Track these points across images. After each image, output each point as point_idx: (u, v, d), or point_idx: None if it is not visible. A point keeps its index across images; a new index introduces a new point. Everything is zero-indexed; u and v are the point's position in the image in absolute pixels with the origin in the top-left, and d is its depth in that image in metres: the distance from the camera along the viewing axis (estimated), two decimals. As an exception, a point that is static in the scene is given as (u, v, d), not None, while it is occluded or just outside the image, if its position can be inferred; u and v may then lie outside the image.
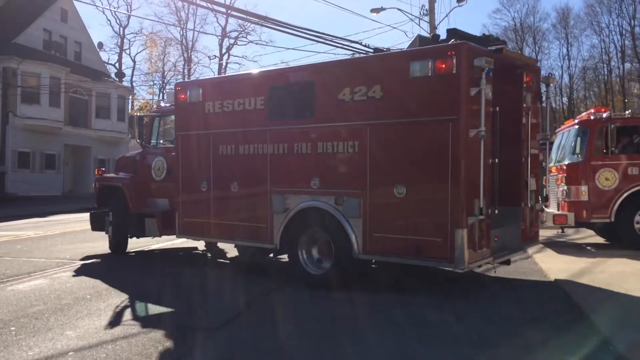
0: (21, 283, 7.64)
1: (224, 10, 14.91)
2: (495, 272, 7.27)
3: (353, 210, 6.75)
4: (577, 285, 7.19)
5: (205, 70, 73.15)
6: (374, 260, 7.48)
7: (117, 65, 52.88)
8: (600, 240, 11.70)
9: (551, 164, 12.22)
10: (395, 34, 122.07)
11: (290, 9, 76.72)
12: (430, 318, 5.78)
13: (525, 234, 7.35)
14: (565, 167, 10.98)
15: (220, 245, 10.14)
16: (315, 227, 7.23)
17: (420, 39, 6.92)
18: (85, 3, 59.15)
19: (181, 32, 54.72)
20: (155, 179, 9.86)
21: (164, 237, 10.02)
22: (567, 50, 61.08)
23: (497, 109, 6.55)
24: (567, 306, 6.16)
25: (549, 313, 5.91)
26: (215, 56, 54.51)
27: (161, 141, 10.18)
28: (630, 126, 10.78)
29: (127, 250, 10.48)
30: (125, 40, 54.28)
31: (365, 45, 20.42)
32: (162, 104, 11.00)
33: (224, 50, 55.56)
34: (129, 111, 43.63)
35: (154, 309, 6.26)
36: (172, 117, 9.49)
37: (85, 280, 7.83)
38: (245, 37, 54.52)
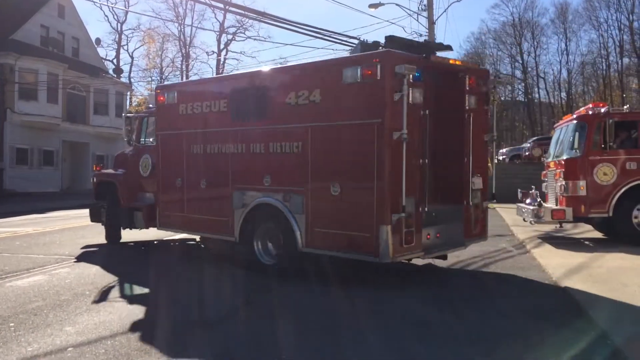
0: (20, 279, 7.64)
1: (221, 5, 14.88)
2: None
3: (297, 206, 7.25)
4: (575, 280, 7.21)
5: (204, 66, 73.05)
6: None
7: (115, 61, 52.77)
8: (598, 235, 11.72)
9: (549, 159, 12.24)
10: (393, 29, 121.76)
11: (288, 4, 76.55)
12: (428, 315, 5.79)
13: (468, 231, 7.61)
14: (563, 162, 10.99)
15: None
16: (268, 221, 7.77)
17: (362, 45, 7.25)
18: (83, -1, 58.99)
19: (179, 27, 54.64)
20: (142, 175, 10.52)
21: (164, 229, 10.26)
22: (566, 45, 61.04)
23: (427, 112, 6.82)
24: (564, 301, 6.18)
25: (546, 308, 5.92)
26: (214, 52, 54.46)
27: (150, 140, 10.59)
28: (629, 121, 10.79)
29: (122, 241, 11.23)
30: (123, 36, 54.15)
31: (363, 41, 20.35)
32: (150, 105, 11.49)
33: (222, 46, 55.45)
34: (127, 107, 43.59)
35: (154, 304, 6.27)
36: None
37: (84, 276, 7.83)
38: (244, 33, 54.42)
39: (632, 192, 10.29)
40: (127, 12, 50.65)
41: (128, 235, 11.36)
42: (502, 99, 68.85)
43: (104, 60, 47.04)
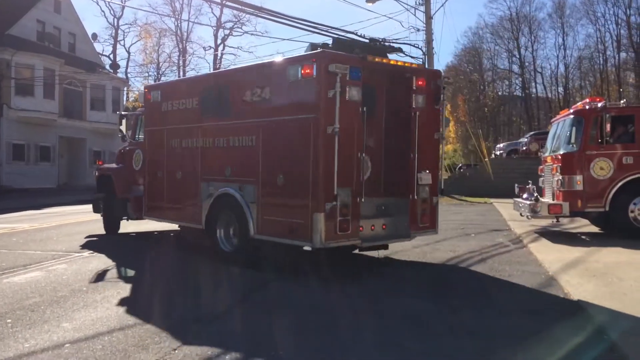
0: (17, 275, 7.63)
1: (218, 0, 14.81)
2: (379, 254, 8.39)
3: (250, 196, 7.84)
4: (572, 274, 7.23)
5: (201, 61, 72.82)
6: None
7: (111, 56, 52.58)
8: (595, 229, 11.76)
9: (546, 154, 12.25)
10: (390, 24, 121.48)
11: (285, -1, 76.29)
12: (424, 310, 5.81)
13: (414, 223, 7.91)
14: (560, 157, 11.00)
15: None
16: (228, 211, 8.30)
17: (311, 46, 7.59)
18: (79, -6, 58.70)
19: (176, 22, 54.43)
20: (135, 168, 11.26)
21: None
22: (563, 39, 61.01)
23: (364, 109, 7.19)
24: (561, 296, 6.19)
25: (542, 303, 5.94)
26: (211, 47, 54.29)
27: (142, 136, 11.11)
28: (625, 115, 10.80)
29: (124, 232, 11.94)
30: (119, 31, 53.96)
31: (360, 36, 20.34)
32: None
33: (219, 41, 55.34)
34: (124, 103, 43.45)
35: (151, 300, 6.27)
36: None
37: (81, 272, 7.83)
38: (241, 28, 54.30)
39: (628, 187, 10.32)
40: (123, 7, 50.43)
41: (131, 226, 12.06)
42: (500, 93, 69.06)
43: (100, 56, 46.89)
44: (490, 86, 70.04)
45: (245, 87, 8.05)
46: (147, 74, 57.19)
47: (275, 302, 6.27)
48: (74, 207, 21.01)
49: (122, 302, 6.16)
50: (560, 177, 10.74)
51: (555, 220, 11.80)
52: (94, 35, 44.08)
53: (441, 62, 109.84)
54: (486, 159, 27.95)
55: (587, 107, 11.06)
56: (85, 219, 15.72)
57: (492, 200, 21.33)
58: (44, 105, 32.32)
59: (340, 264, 8.35)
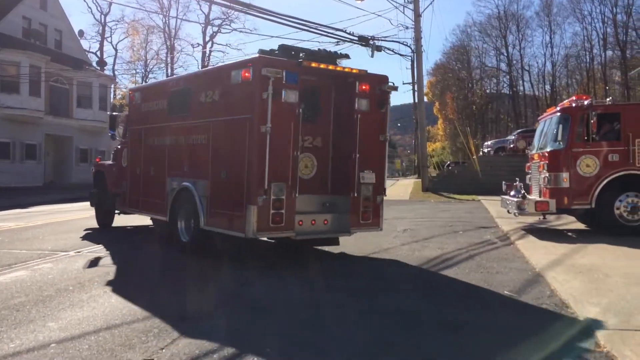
0: (2, 275, 7.54)
1: (206, -3, 14.76)
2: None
3: (202, 190, 8.45)
4: (558, 271, 7.29)
5: (189, 59, 72.43)
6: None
7: (98, 53, 52.18)
8: (581, 226, 11.87)
9: (533, 151, 12.34)
10: (379, 22, 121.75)
11: (274, -4, 76.01)
12: (411, 306, 5.83)
13: (356, 220, 8.34)
14: (547, 154, 11.08)
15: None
16: (187, 204, 8.85)
17: (260, 52, 8.08)
18: (65, -10, 58.05)
19: (163, 19, 54.11)
20: (123, 165, 11.73)
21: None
22: (550, 38, 61.57)
23: (300, 110, 7.75)
24: (547, 292, 6.24)
25: (529, 300, 5.98)
26: (199, 44, 54.07)
27: None
28: (611, 113, 10.90)
29: (120, 225, 12.65)
30: (106, 28, 53.58)
31: (349, 33, 20.35)
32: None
33: (207, 38, 55.09)
34: (111, 100, 43.12)
35: (138, 299, 6.21)
36: None
37: (67, 271, 7.76)
38: (229, 25, 54.14)
39: (614, 184, 10.42)
40: (110, 4, 50.09)
41: (125, 220, 12.50)
42: (487, 91, 69.41)
43: (87, 53, 46.47)
44: (479, 84, 70.46)
45: (201, 90, 8.80)
46: (134, 72, 56.85)
47: (260, 300, 6.24)
48: (60, 205, 20.83)
49: (109, 301, 6.11)
50: (547, 175, 10.82)
51: (542, 217, 11.89)
52: (81, 32, 43.66)
53: (430, 60, 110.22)
54: (474, 157, 28.10)
55: (573, 104, 11.16)
56: (71, 217, 15.60)
57: (480, 197, 21.46)
58: (30, 102, 31.95)
59: (300, 258, 8.38)
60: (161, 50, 56.95)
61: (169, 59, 55.62)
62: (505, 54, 64.73)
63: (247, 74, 7.64)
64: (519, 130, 33.04)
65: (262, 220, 7.40)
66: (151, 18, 56.53)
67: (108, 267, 8.07)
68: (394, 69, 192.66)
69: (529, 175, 12.34)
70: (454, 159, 50.99)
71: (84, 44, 46.22)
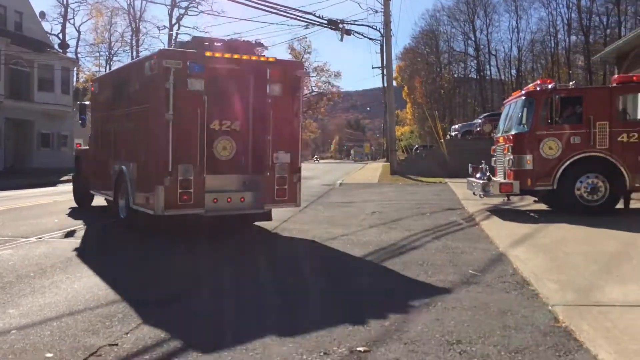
0: (-40, 262, 7.31)
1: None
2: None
3: (131, 173, 9.27)
4: (521, 250, 7.46)
5: (155, 41, 70.92)
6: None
7: (60, 35, 50.70)
8: (543, 207, 12.15)
9: (499, 134, 12.53)
10: (349, 5, 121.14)
11: (241, -22, 74.78)
12: (374, 284, 5.89)
13: (270, 197, 9.00)
14: (511, 137, 11.27)
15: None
16: (123, 184, 9.65)
17: (178, 44, 9.12)
18: (24, -31, 55.96)
19: (128, 1, 52.72)
20: (92, 149, 12.61)
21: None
22: (517, 22, 62.40)
23: (205, 98, 8.33)
24: (510, 271, 6.38)
25: (490, 277, 6.10)
26: (165, 27, 53.02)
27: None
28: (574, 97, 11.11)
29: (92, 204, 13.38)
30: (69, 10, 52.04)
31: (319, 17, 20.22)
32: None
33: (174, 21, 54.07)
34: (74, 84, 42.00)
35: (101, 284, 6.11)
36: None
37: (28, 257, 7.58)
38: (196, 7, 53.26)
39: (575, 166, 10.67)
40: (72, -16, 48.49)
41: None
42: (455, 75, 70.12)
43: (49, 35, 45.09)
44: (447, 68, 71.09)
45: (130, 80, 9.73)
46: (98, 54, 55.44)
47: (229, 283, 6.22)
48: (22, 191, 20.29)
49: (71, 287, 6.00)
50: (512, 157, 11.02)
51: (506, 198, 12.14)
52: (42, 14, 42.26)
53: (399, 45, 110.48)
54: (442, 140, 28.40)
55: (537, 88, 11.34)
56: (33, 203, 15.23)
57: (447, 180, 21.75)
58: (-11, 86, 30.86)
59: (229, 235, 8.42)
60: (126, 32, 55.73)
61: (134, 42, 54.40)
62: (473, 39, 65.44)
63: (153, 66, 8.36)
64: (485, 114, 33.47)
65: (170, 199, 8.11)
66: (115, -1, 55.05)
67: (71, 253, 7.91)
68: (364, 52, 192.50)
69: (494, 158, 12.54)
70: (422, 142, 51.40)
71: (46, 25, 44.86)
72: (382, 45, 39.49)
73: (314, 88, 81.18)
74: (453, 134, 33.43)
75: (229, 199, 8.79)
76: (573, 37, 57.92)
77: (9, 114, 33.23)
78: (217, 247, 8.47)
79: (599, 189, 10.61)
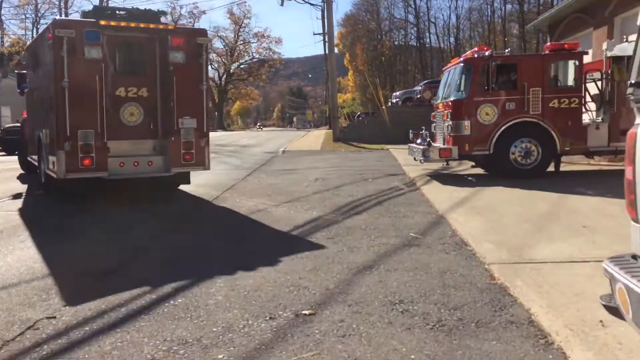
0: None
1: None
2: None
3: (45, 138, 9.47)
4: (459, 212, 7.72)
5: (85, 3, 67.31)
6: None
7: (-20, -5, 47.08)
8: (480, 171, 12.58)
9: (438, 101, 12.77)
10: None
11: (177, -63, 71.60)
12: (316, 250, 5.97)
13: (177, 161, 9.27)
14: (450, 104, 11.52)
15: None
16: (41, 150, 9.98)
17: (82, 13, 9.26)
18: None
19: (54, -41, 49.51)
20: (29, 117, 12.86)
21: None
22: (455, -10, 63.00)
23: (104, 65, 8.65)
24: (449, 233, 6.60)
25: (430, 239, 6.29)
26: (95, -13, 50.15)
27: None
28: (509, 64, 11.45)
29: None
30: (-13, -33, 48.22)
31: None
32: None
33: (104, -19, 51.09)
34: (-2, 48, 39.38)
35: (37, 256, 5.88)
36: None
37: (-45, 231, 7.17)
38: (128, -32, 50.45)
39: (510, 131, 11.08)
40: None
41: None
42: (396, 43, 70.58)
43: (-34, -6, 41.80)
44: (387, 35, 71.36)
45: (39, 49, 10.03)
46: (24, 17, 52.09)
47: (169, 253, 6.13)
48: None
49: (4, 260, 5.74)
50: (450, 123, 11.30)
51: (445, 163, 12.50)
52: (-43, -30, 39.07)
53: (340, 11, 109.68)
54: (383, 107, 28.71)
55: (475, 55, 11.60)
56: None
57: (388, 146, 22.10)
58: None
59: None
60: (53, -7, 52.40)
61: (62, 3, 51.42)
62: (413, 6, 65.85)
63: (50, 35, 8.53)
64: (425, 81, 34.03)
65: (71, 163, 8.46)
66: (40, -43, 51.61)
67: (2, 225, 7.55)
68: (305, 19, 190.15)
69: (434, 124, 12.81)
70: (364, 109, 51.79)
71: (-38, -17, 41.47)
72: (323, 11, 39.15)
73: (254, 54, 79.91)
74: (394, 101, 33.87)
75: (135, 163, 9.08)
76: (509, 6, 59.40)
77: None
78: (155, 218, 8.30)
79: (532, 153, 11.08)
